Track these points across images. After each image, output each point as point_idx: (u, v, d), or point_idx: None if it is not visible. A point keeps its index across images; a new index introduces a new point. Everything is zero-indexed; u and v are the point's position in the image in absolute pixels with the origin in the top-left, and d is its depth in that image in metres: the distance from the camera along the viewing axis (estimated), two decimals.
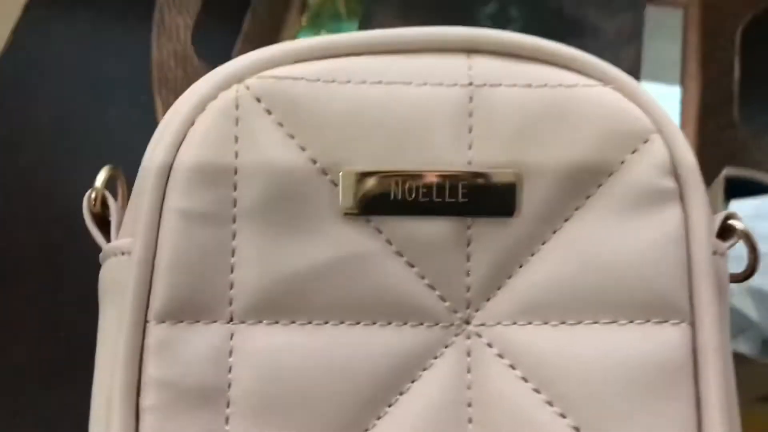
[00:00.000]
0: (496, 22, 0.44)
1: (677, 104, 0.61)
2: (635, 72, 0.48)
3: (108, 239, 0.24)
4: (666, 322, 0.22)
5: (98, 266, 0.24)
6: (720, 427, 0.21)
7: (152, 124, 0.23)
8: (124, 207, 0.24)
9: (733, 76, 0.59)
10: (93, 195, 0.24)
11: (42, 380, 0.46)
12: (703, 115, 0.60)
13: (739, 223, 0.24)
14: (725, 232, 0.24)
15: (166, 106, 0.52)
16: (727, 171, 0.36)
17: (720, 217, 0.24)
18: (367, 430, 0.22)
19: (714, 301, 0.22)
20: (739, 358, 0.32)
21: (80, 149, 0.54)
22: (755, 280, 0.33)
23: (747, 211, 0.34)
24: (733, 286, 0.34)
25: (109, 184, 0.25)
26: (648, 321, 0.22)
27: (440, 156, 0.22)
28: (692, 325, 0.22)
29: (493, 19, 0.45)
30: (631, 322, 0.22)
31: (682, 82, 0.62)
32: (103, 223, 0.24)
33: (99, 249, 0.24)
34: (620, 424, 0.21)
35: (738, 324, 0.35)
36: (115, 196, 0.25)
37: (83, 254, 0.26)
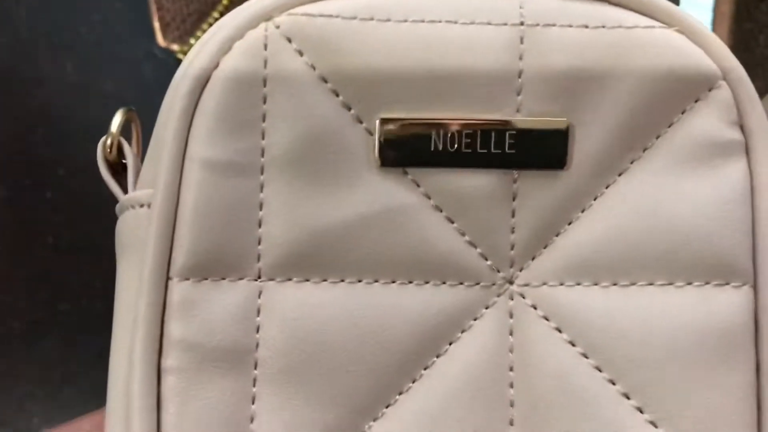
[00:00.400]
0: None
1: (710, 3, 0.57)
2: None
3: (125, 190, 0.22)
4: (727, 284, 0.20)
5: (113, 218, 0.22)
6: None
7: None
8: (139, 153, 0.22)
9: None
10: (108, 141, 0.22)
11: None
12: (739, 13, 0.57)
13: None
14: None
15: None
16: None
17: None
18: (401, 393, 0.21)
19: None
20: None
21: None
22: None
23: None
24: None
25: (124, 128, 0.23)
26: (707, 283, 0.20)
27: (486, 103, 0.20)
28: (755, 288, 0.20)
29: None
30: (690, 284, 0.20)
31: None
32: (119, 172, 0.23)
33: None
34: (675, 391, 0.20)
35: None
36: (129, 141, 0.23)
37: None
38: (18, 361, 0.49)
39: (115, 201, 0.22)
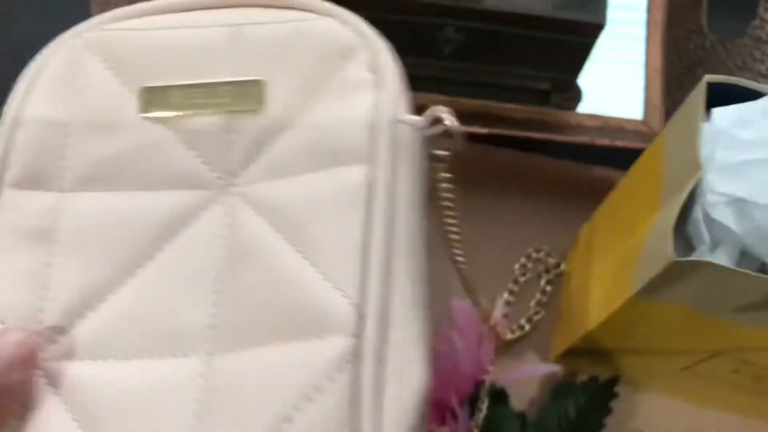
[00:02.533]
0: None
1: (644, 11, 0.59)
2: None
3: None
4: (346, 165, 0.29)
5: None
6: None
7: None
8: None
9: None
10: None
11: None
12: (671, 20, 0.59)
13: (446, 119, 0.30)
14: (436, 121, 0.30)
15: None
16: (709, 78, 0.34)
17: (432, 111, 0.30)
18: (150, 259, 0.29)
19: (388, 151, 0.29)
20: (718, 270, 0.32)
21: None
22: (735, 190, 0.33)
23: (729, 118, 0.32)
24: (718, 199, 0.33)
25: None
26: (338, 167, 0.29)
27: (211, 68, 0.31)
28: (371, 165, 0.29)
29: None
30: (328, 168, 0.29)
31: None
32: None
33: None
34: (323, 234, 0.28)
35: (717, 235, 0.34)
36: None
37: None
38: None
39: None
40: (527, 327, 0.53)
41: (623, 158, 0.47)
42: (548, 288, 0.54)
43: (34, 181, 0.30)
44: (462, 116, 0.54)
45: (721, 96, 0.35)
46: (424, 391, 0.27)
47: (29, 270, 0.28)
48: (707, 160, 0.33)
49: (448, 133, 0.30)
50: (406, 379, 0.26)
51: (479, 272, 0.54)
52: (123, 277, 0.29)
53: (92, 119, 0.30)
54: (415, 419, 0.26)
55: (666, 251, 0.32)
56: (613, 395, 0.49)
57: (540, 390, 0.52)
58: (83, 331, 0.28)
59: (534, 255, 0.55)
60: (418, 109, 0.31)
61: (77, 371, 0.27)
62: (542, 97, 0.57)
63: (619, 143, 0.51)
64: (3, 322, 0.28)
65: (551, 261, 0.55)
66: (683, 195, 0.33)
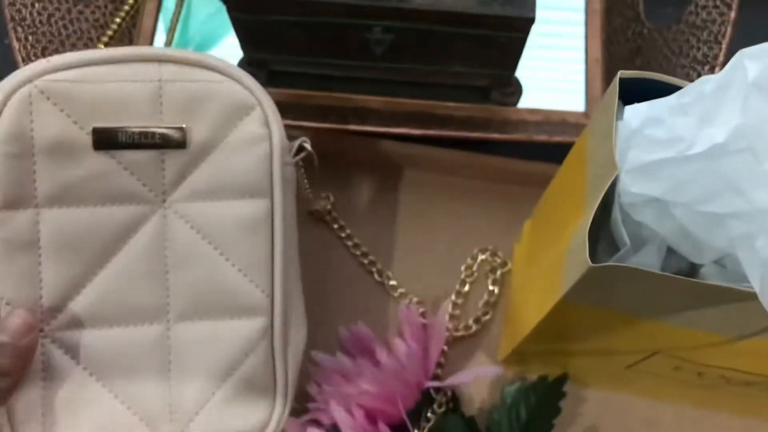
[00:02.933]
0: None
1: (582, 1, 0.58)
2: None
3: None
4: (253, 198, 0.41)
5: None
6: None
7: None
8: None
9: None
10: None
11: None
12: (609, 9, 0.58)
13: (307, 146, 0.43)
14: (300, 149, 0.43)
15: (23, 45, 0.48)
16: (622, 74, 0.33)
17: (298, 142, 0.43)
18: (109, 261, 0.39)
19: (281, 188, 0.41)
20: (637, 273, 0.31)
21: None
22: (650, 189, 0.32)
23: (641, 116, 0.31)
24: (635, 199, 0.32)
25: None
26: (247, 199, 0.41)
27: (144, 115, 0.39)
28: (271, 199, 0.41)
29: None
30: (240, 199, 0.41)
31: None
32: None
33: None
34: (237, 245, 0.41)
35: (642, 235, 0.34)
36: None
37: None
38: None
39: None
40: (474, 327, 0.52)
41: (567, 152, 0.46)
42: (494, 288, 0.53)
43: (15, 202, 0.37)
44: (400, 116, 0.53)
45: (644, 90, 0.34)
46: (306, 337, 0.44)
47: (26, 270, 0.38)
48: (621, 159, 0.32)
49: (309, 154, 0.44)
50: (299, 335, 0.43)
51: (426, 274, 0.54)
52: (95, 269, 0.39)
53: (53, 150, 0.38)
54: (302, 354, 0.44)
55: (583, 256, 0.31)
56: (562, 394, 0.48)
57: (490, 393, 0.51)
58: (74, 308, 0.39)
59: (480, 255, 0.54)
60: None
61: (78, 336, 0.39)
62: (482, 94, 0.56)
63: (557, 138, 0.50)
64: (9, 303, 0.38)
65: (498, 260, 0.54)
66: (601, 195, 0.32)
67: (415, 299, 0.53)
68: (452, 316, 0.53)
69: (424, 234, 0.55)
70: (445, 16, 0.46)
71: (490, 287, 0.53)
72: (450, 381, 0.48)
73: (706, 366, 0.40)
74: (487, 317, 0.53)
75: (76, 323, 0.39)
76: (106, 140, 0.38)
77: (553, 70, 0.57)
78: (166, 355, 0.40)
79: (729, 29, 0.48)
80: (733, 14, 0.49)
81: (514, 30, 0.48)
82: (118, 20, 0.55)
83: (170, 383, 0.40)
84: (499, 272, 0.54)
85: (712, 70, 0.49)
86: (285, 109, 0.53)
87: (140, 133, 0.39)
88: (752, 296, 0.29)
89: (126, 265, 0.39)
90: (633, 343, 0.38)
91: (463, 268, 0.54)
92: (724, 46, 0.48)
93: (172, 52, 0.40)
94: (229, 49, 0.56)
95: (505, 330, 0.52)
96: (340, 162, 0.54)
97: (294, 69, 0.55)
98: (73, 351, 0.39)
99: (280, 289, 0.41)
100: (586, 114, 0.55)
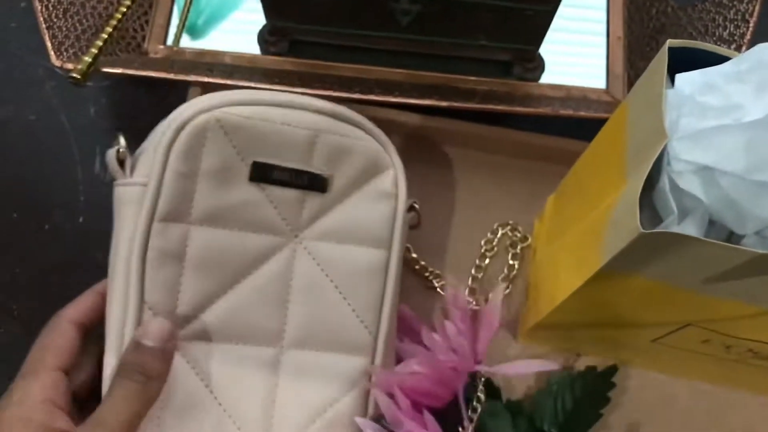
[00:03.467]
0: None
1: None
2: None
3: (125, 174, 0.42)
4: (376, 248, 0.45)
5: None
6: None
7: None
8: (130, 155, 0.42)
9: None
10: (120, 150, 0.41)
11: None
12: None
13: (416, 205, 0.48)
14: (411, 208, 0.47)
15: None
16: (671, 42, 0.33)
17: (410, 201, 0.47)
18: (240, 282, 0.43)
19: (399, 243, 0.45)
20: (686, 241, 0.31)
21: None
22: (701, 157, 0.32)
23: (693, 84, 0.31)
24: (684, 167, 0.32)
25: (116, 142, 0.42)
26: (368, 247, 0.45)
27: (297, 157, 0.43)
28: (389, 251, 0.46)
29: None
30: (363, 246, 0.45)
31: None
32: (123, 165, 0.42)
33: None
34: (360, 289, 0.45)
35: (685, 205, 0.34)
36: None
37: None
38: None
39: None
40: None
41: (587, 128, 0.46)
42: (515, 263, 0.53)
43: (173, 216, 0.41)
44: (424, 89, 0.53)
45: (684, 62, 0.34)
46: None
47: (170, 280, 0.41)
48: (672, 127, 0.32)
49: (416, 212, 0.48)
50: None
51: (446, 248, 0.54)
52: (227, 288, 0.43)
53: (214, 175, 0.42)
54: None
55: (633, 223, 0.31)
56: (612, 385, 0.48)
57: (536, 381, 0.51)
58: (203, 322, 0.42)
59: (500, 230, 0.54)
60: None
61: (202, 348, 0.42)
62: (505, 69, 0.55)
63: (582, 113, 0.50)
64: (151, 309, 0.40)
65: (518, 235, 0.54)
66: (649, 164, 0.32)
67: (431, 269, 0.53)
68: (471, 290, 0.53)
69: (444, 208, 0.55)
70: None
71: (510, 261, 0.53)
72: (504, 370, 0.46)
73: (736, 338, 0.40)
74: (507, 291, 0.53)
75: (202, 335, 0.42)
76: (261, 174, 0.42)
77: (575, 45, 0.57)
78: (274, 378, 0.43)
79: (757, 7, 0.48)
80: None
81: (544, 3, 0.48)
82: None
83: (275, 406, 0.43)
84: (519, 247, 0.54)
85: (738, 50, 0.49)
86: (309, 79, 0.52)
87: (292, 173, 0.43)
88: None
89: (255, 288, 0.43)
90: (668, 314, 0.39)
91: (483, 242, 0.54)
92: (751, 24, 0.49)
93: (331, 106, 0.44)
94: (251, 14, 0.55)
95: (526, 305, 0.52)
96: None
97: (316, 39, 0.54)
98: (194, 361, 0.41)
99: (384, 332, 0.45)
100: (607, 91, 0.55)
